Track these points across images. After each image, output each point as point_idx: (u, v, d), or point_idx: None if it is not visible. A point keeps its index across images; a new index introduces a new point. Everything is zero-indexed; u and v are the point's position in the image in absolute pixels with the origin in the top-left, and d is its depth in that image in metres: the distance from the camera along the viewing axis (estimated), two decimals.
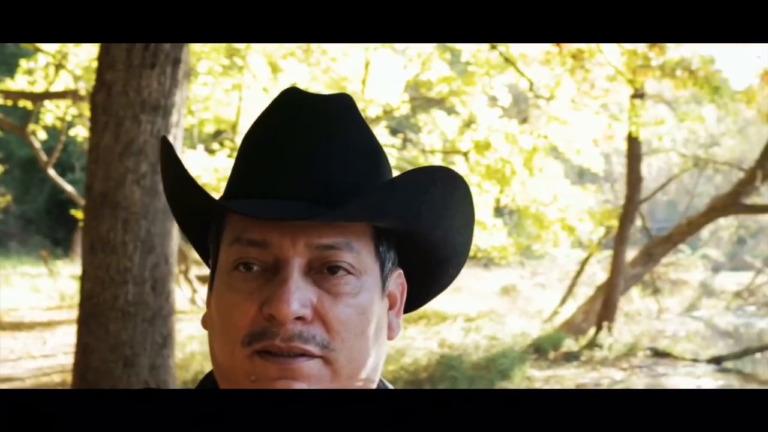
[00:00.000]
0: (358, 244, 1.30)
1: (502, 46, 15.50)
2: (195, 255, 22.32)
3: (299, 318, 1.23)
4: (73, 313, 14.94)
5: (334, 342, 1.25)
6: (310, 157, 1.30)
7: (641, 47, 13.46)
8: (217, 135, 20.24)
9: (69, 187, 18.68)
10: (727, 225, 34.43)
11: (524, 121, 20.20)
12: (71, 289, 19.52)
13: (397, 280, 1.41)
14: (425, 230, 1.35)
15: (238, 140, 17.19)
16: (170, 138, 6.74)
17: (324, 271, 1.27)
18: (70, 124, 18.01)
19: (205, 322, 1.39)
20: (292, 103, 1.36)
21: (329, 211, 1.23)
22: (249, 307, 1.25)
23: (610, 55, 14.04)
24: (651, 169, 29.35)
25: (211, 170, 16.04)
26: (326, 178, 1.29)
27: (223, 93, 17.81)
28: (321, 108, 1.35)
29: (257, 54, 17.02)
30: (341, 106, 1.37)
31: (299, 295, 1.23)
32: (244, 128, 17.86)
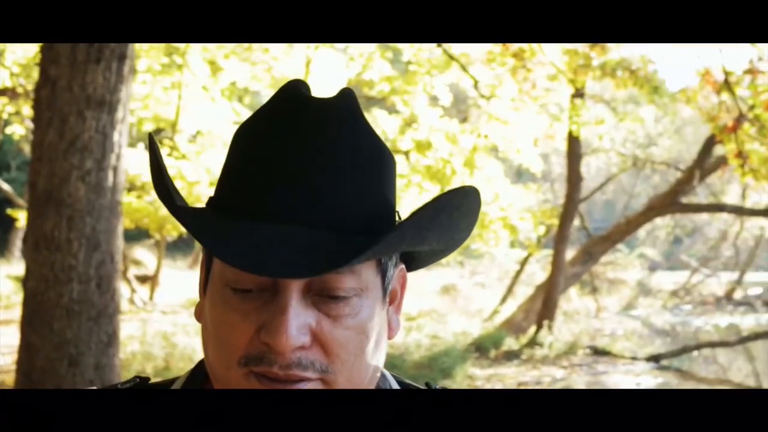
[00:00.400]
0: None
1: (445, 45, 15.53)
2: (134, 254, 22.21)
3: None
4: (10, 314, 14.80)
5: (334, 365, 1.21)
6: (309, 173, 1.22)
7: (582, 47, 13.55)
8: (156, 133, 20.06)
9: (5, 186, 18.45)
10: (663, 224, 34.84)
11: (464, 120, 20.29)
12: (7, 289, 19.26)
13: (399, 275, 1.37)
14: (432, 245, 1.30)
15: (178, 139, 17.17)
16: (116, 135, 6.68)
17: (324, 295, 1.21)
18: (6, 123, 17.77)
19: (198, 315, 1.34)
20: (292, 106, 1.28)
21: (335, 254, 1.15)
22: (246, 329, 1.21)
23: (552, 54, 14.12)
24: (589, 168, 29.60)
25: None
26: (327, 195, 1.21)
27: (162, 91, 17.64)
28: (322, 114, 1.27)
29: (197, 53, 16.90)
30: (343, 109, 1.29)
31: (298, 323, 1.18)
32: (183, 127, 17.77)
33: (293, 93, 1.30)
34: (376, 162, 1.28)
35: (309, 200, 1.21)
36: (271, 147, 1.24)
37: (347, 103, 1.31)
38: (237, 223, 1.21)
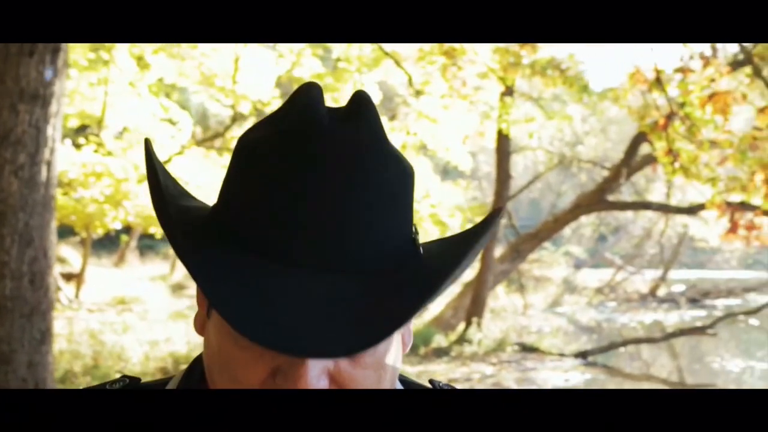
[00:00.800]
0: None
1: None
2: (59, 252, 21.87)
3: None
4: None
5: None
6: (334, 212, 1.12)
7: (513, 45, 13.61)
8: (81, 130, 19.81)
9: None
10: (588, 222, 35.17)
11: (393, 118, 20.31)
12: None
13: None
14: None
15: (104, 135, 16.97)
16: (49, 129, 6.58)
17: None
18: None
19: (200, 328, 1.27)
20: (310, 129, 1.16)
21: (371, 327, 1.07)
22: (259, 371, 1.13)
23: (483, 52, 14.16)
24: (516, 167, 29.82)
25: (79, 165, 15.73)
26: (354, 236, 1.13)
27: (88, 87, 17.43)
28: (346, 142, 1.16)
29: (124, 48, 16.70)
30: (367, 133, 1.19)
31: (317, 371, 1.11)
32: (110, 123, 17.57)
33: (310, 110, 1.19)
34: (401, 190, 1.21)
35: (335, 243, 1.12)
36: (291, 178, 1.14)
37: (370, 123, 1.22)
38: (255, 277, 1.10)
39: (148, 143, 1.25)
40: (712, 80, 10.21)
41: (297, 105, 1.21)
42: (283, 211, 1.13)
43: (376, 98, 17.85)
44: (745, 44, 9.92)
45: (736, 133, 11.14)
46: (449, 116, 16.32)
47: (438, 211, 17.67)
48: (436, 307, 21.71)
